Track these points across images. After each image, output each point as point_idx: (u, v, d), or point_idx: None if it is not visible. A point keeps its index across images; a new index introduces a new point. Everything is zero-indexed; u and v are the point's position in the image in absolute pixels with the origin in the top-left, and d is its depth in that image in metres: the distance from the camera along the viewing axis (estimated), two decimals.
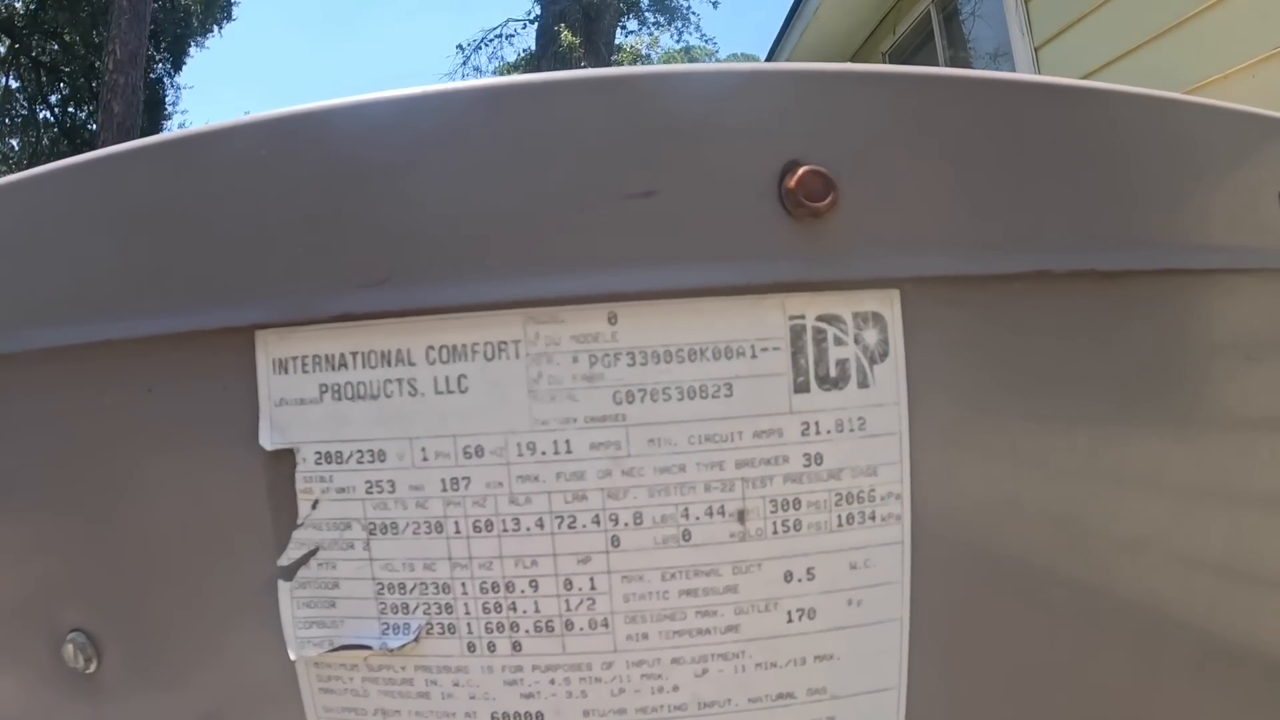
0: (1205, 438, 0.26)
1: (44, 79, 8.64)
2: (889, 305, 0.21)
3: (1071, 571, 0.24)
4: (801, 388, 0.20)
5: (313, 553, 0.22)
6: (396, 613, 0.21)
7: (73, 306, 0.24)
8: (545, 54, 7.07)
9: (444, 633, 0.21)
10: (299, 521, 0.22)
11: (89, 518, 0.26)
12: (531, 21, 7.97)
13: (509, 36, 8.38)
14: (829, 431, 0.20)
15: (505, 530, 0.20)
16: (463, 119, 0.20)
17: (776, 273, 0.20)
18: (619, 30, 7.97)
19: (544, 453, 0.20)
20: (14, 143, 8.96)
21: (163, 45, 8.79)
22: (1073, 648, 0.24)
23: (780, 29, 3.93)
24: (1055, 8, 2.11)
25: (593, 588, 0.20)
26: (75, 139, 8.80)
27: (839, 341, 0.20)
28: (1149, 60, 1.70)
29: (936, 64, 2.92)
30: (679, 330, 0.20)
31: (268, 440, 0.21)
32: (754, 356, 0.20)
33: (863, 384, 0.20)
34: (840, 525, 0.21)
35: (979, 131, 0.22)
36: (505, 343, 0.19)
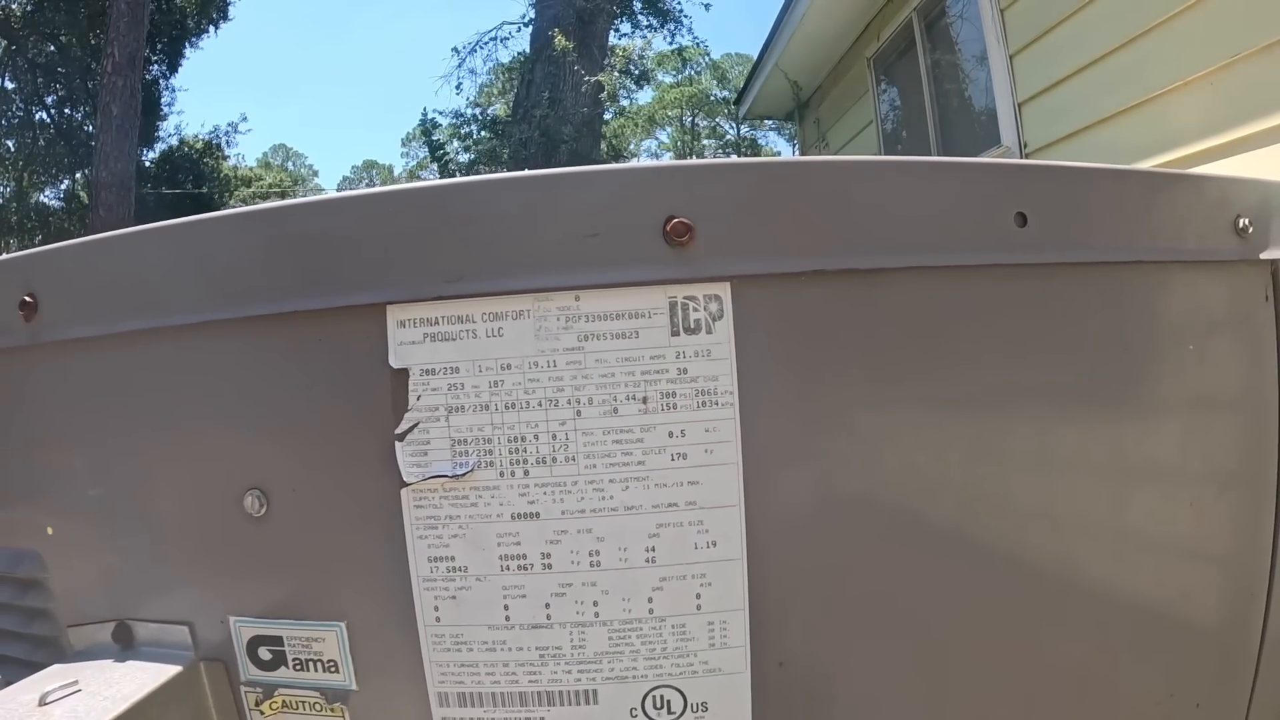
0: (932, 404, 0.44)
1: (40, 80, 8.71)
2: (724, 290, 0.39)
3: (844, 444, 0.42)
4: (675, 333, 0.39)
5: (416, 424, 0.40)
6: (461, 456, 0.40)
7: (269, 291, 0.42)
8: (540, 57, 7.22)
9: (487, 467, 0.40)
10: (408, 407, 0.40)
11: (269, 416, 0.43)
12: (526, 24, 8.11)
13: (503, 39, 8.51)
14: (691, 356, 0.39)
15: (521, 408, 0.39)
16: (500, 195, 0.38)
17: (661, 274, 0.38)
18: (612, 33, 8.11)
19: (542, 366, 0.38)
20: (10, 144, 9.03)
21: (159, 47, 8.87)
22: (858, 488, 0.42)
23: (768, 34, 4.10)
24: (1029, 17, 2.26)
25: (567, 439, 0.39)
26: (71, 140, 8.89)
27: (695, 309, 0.39)
28: (1115, 67, 1.85)
29: (919, 69, 3.10)
30: (611, 303, 0.38)
31: (394, 362, 0.39)
32: (650, 317, 0.39)
33: (709, 331, 0.39)
34: (698, 407, 0.39)
35: (771, 193, 0.40)
36: (522, 310, 0.38)
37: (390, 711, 0.43)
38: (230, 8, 9.40)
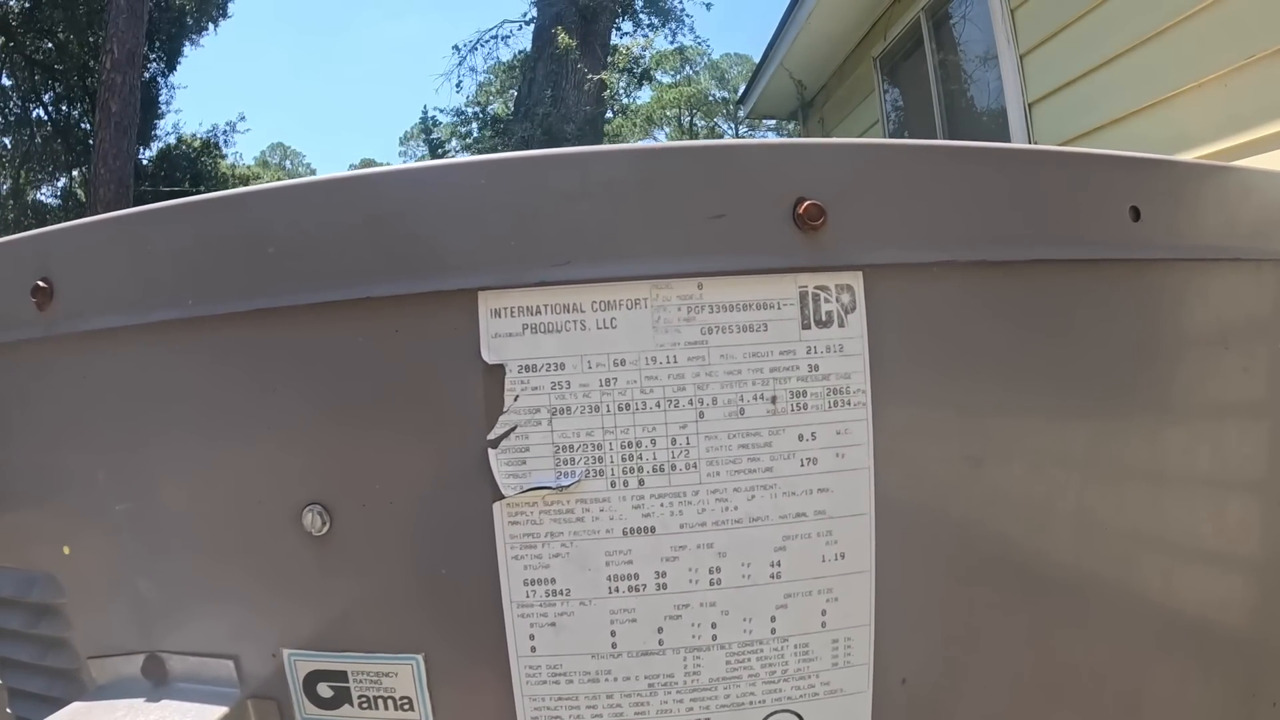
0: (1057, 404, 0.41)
1: (38, 77, 8.63)
2: (856, 280, 0.35)
3: (975, 446, 0.38)
4: (806, 326, 0.35)
5: (513, 429, 0.36)
6: (566, 464, 0.36)
7: (336, 275, 0.37)
8: (541, 55, 7.18)
9: (596, 476, 0.35)
10: (504, 409, 0.36)
11: (334, 420, 0.39)
12: (528, 22, 8.06)
13: (504, 37, 8.47)
14: (822, 351, 0.35)
15: (637, 409, 0.34)
16: (615, 169, 0.34)
17: (791, 261, 0.34)
18: (614, 31, 8.08)
19: (660, 362, 0.34)
20: (7, 141, 8.94)
21: (157, 44, 8.80)
22: (987, 493, 0.38)
23: (773, 34, 4.06)
24: (1040, 16, 2.23)
25: (688, 444, 0.35)
26: (69, 138, 8.82)
27: (827, 300, 0.35)
28: (1128, 68, 1.82)
29: (926, 68, 3.07)
30: (737, 292, 0.34)
31: (488, 357, 0.35)
32: (779, 308, 0.34)
33: (840, 324, 0.35)
34: (830, 407, 0.35)
35: (907, 176, 0.36)
36: (639, 299, 0.34)
37: None
38: (230, 5, 9.34)
